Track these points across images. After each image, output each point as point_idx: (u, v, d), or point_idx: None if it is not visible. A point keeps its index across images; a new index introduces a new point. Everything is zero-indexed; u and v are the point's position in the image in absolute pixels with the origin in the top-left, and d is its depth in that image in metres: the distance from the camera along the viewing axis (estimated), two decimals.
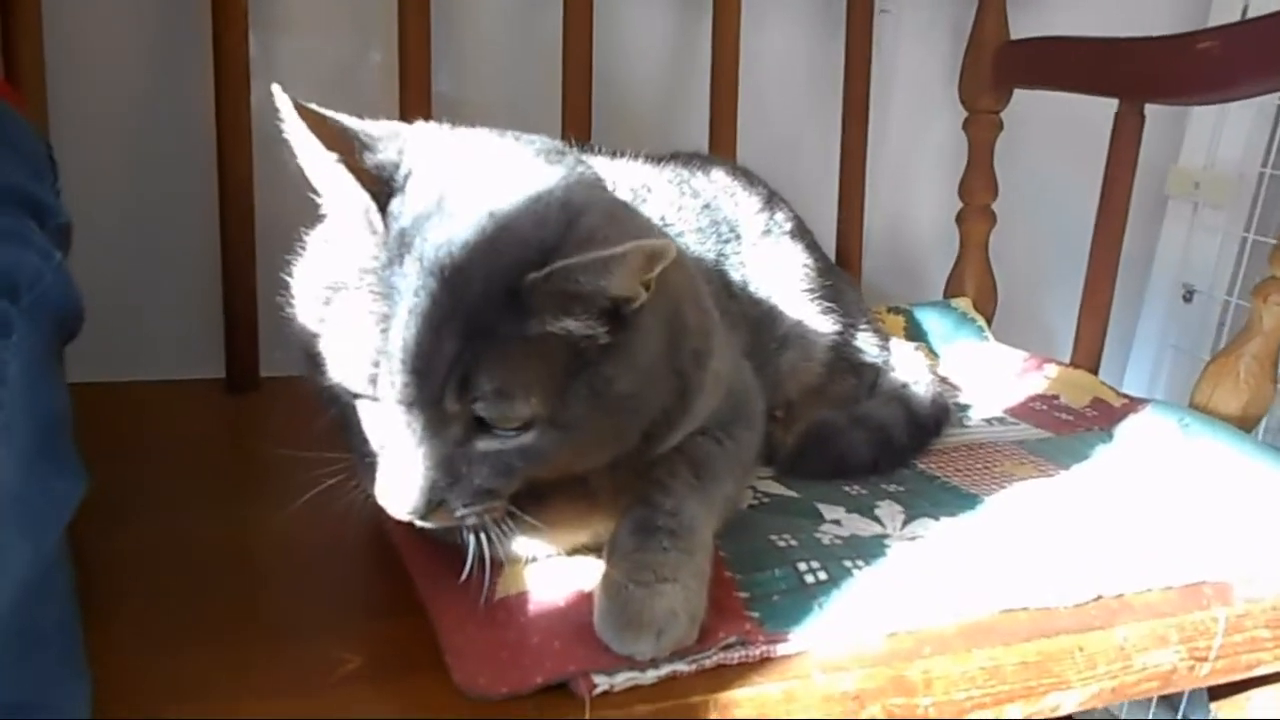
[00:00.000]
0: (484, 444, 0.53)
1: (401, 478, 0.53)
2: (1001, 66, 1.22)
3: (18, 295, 0.51)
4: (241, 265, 0.97)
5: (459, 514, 0.55)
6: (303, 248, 0.59)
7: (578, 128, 1.06)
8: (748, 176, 0.95)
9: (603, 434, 0.57)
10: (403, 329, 0.50)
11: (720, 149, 1.13)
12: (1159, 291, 1.52)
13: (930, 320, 1.21)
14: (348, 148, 0.53)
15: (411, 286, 0.50)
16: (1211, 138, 1.43)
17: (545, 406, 0.53)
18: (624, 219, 0.59)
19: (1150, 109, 1.07)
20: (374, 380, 0.52)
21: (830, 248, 1.20)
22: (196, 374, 0.99)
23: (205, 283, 1.00)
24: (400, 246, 0.52)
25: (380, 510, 0.64)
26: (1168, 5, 1.41)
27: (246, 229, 0.97)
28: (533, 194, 0.55)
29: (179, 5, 1.00)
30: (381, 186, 0.53)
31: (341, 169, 0.52)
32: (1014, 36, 1.24)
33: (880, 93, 1.25)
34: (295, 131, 0.53)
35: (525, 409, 0.53)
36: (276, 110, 0.53)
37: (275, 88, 0.53)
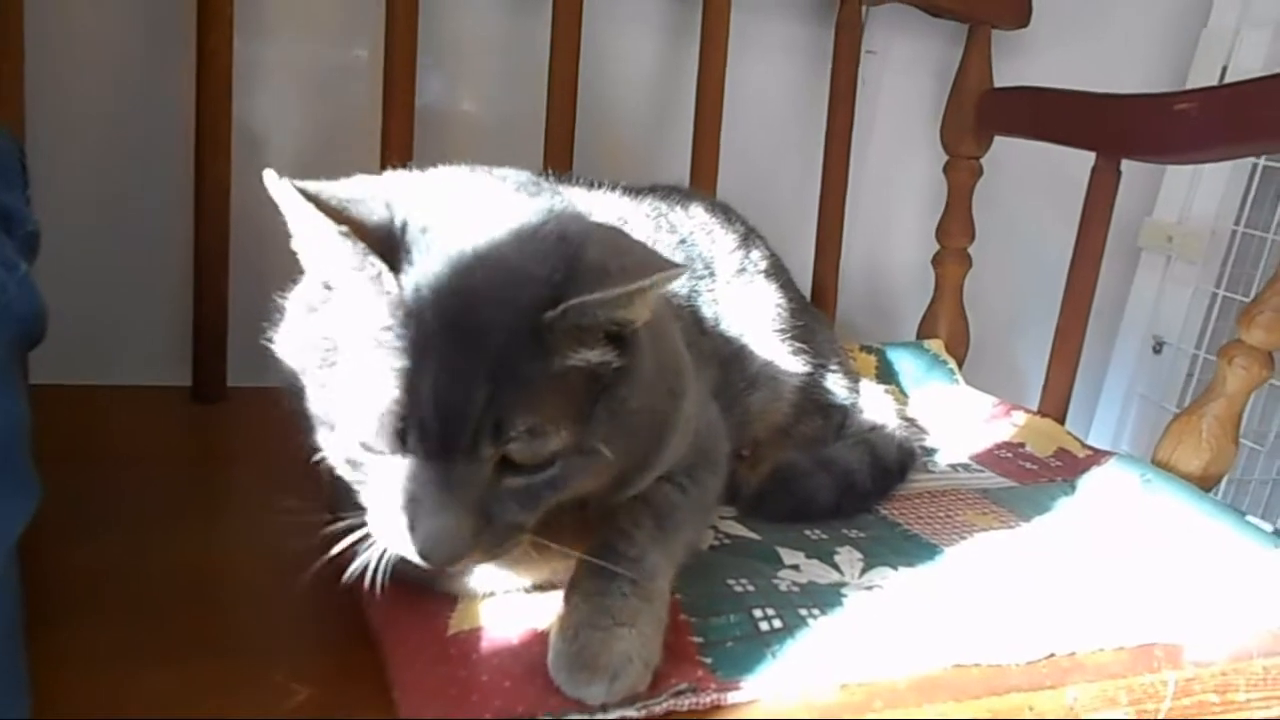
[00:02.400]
0: (512, 481, 0.54)
1: (439, 528, 0.52)
2: (984, 113, 1.23)
3: None
4: (213, 272, 0.96)
5: (491, 552, 0.55)
6: (280, 312, 0.59)
7: (560, 150, 1.06)
8: (726, 213, 0.95)
9: (619, 453, 0.57)
10: (431, 382, 0.50)
11: (701, 180, 1.14)
12: (1129, 341, 1.54)
13: (902, 361, 1.22)
14: (345, 217, 0.52)
15: (432, 340, 0.51)
16: (1186, 193, 1.45)
17: (573, 436, 0.54)
18: (624, 247, 0.60)
19: (1127, 162, 1.09)
20: (402, 436, 0.51)
21: (806, 284, 1.21)
22: (163, 381, 0.98)
23: (176, 289, 1.00)
24: (414, 302, 0.51)
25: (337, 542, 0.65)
26: (1150, 61, 1.43)
27: (220, 237, 0.96)
28: (528, 231, 0.55)
29: (161, 18, 1.00)
30: (384, 248, 0.52)
31: (350, 240, 0.51)
32: (998, 83, 1.26)
33: (862, 133, 1.26)
34: (298, 212, 0.52)
35: (556, 443, 0.53)
36: (272, 195, 0.53)
37: (269, 173, 0.52)
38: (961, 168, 1.26)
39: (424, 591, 0.62)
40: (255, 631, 0.61)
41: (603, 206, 0.79)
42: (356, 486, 0.56)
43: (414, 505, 0.52)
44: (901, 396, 1.16)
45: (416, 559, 0.53)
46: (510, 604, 0.61)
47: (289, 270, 1.05)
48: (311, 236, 0.53)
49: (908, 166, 1.36)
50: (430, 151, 1.03)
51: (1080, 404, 1.57)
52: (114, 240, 1.04)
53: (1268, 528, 0.86)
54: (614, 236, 0.61)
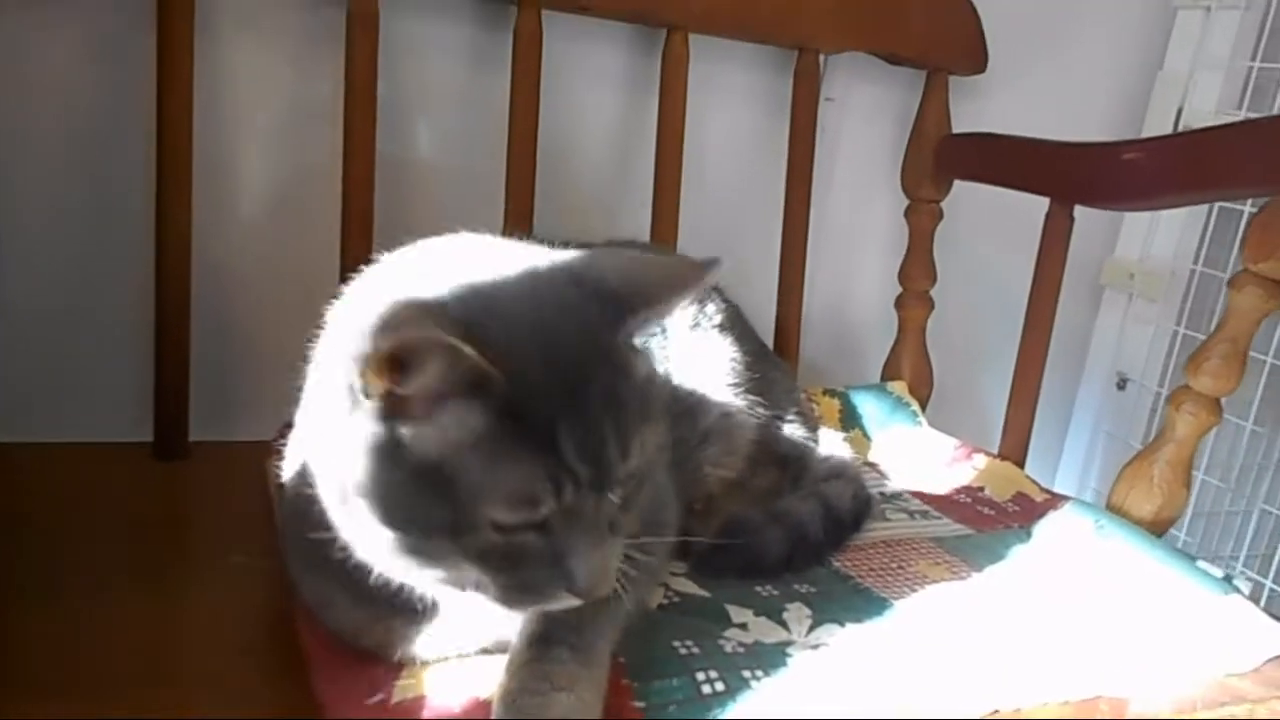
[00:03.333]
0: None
1: (597, 564, 0.54)
2: (942, 158, 1.25)
3: None
4: (175, 326, 0.97)
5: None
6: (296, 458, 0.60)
7: (520, 202, 1.08)
8: None
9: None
10: (572, 440, 0.51)
11: (663, 229, 1.15)
12: (1094, 379, 1.55)
13: (865, 404, 1.23)
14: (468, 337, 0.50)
15: (547, 402, 0.51)
16: (1147, 232, 1.47)
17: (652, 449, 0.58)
18: (647, 261, 0.63)
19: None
20: (557, 494, 0.52)
21: (770, 329, 1.23)
22: (125, 437, 0.99)
23: (137, 343, 1.00)
24: (515, 376, 0.51)
25: (289, 601, 0.65)
26: (1107, 104, 1.46)
27: (182, 290, 0.97)
28: (562, 277, 0.57)
29: (117, 82, 1.01)
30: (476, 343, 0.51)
31: (465, 347, 0.49)
32: (957, 128, 1.27)
33: (824, 178, 1.28)
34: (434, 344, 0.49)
35: (645, 456, 0.56)
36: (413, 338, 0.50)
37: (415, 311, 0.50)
38: (922, 211, 1.27)
39: (372, 659, 0.62)
40: (198, 705, 0.61)
41: None
42: (444, 579, 0.55)
43: (572, 551, 0.53)
44: (864, 441, 1.17)
45: (572, 602, 0.54)
46: (456, 671, 0.62)
47: (252, 325, 1.08)
48: (428, 368, 0.50)
49: (869, 210, 1.38)
50: (391, 199, 1.05)
51: (1048, 441, 1.59)
52: (74, 295, 1.04)
53: (1218, 574, 0.87)
54: (602, 255, 0.63)
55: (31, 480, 0.87)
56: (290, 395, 0.67)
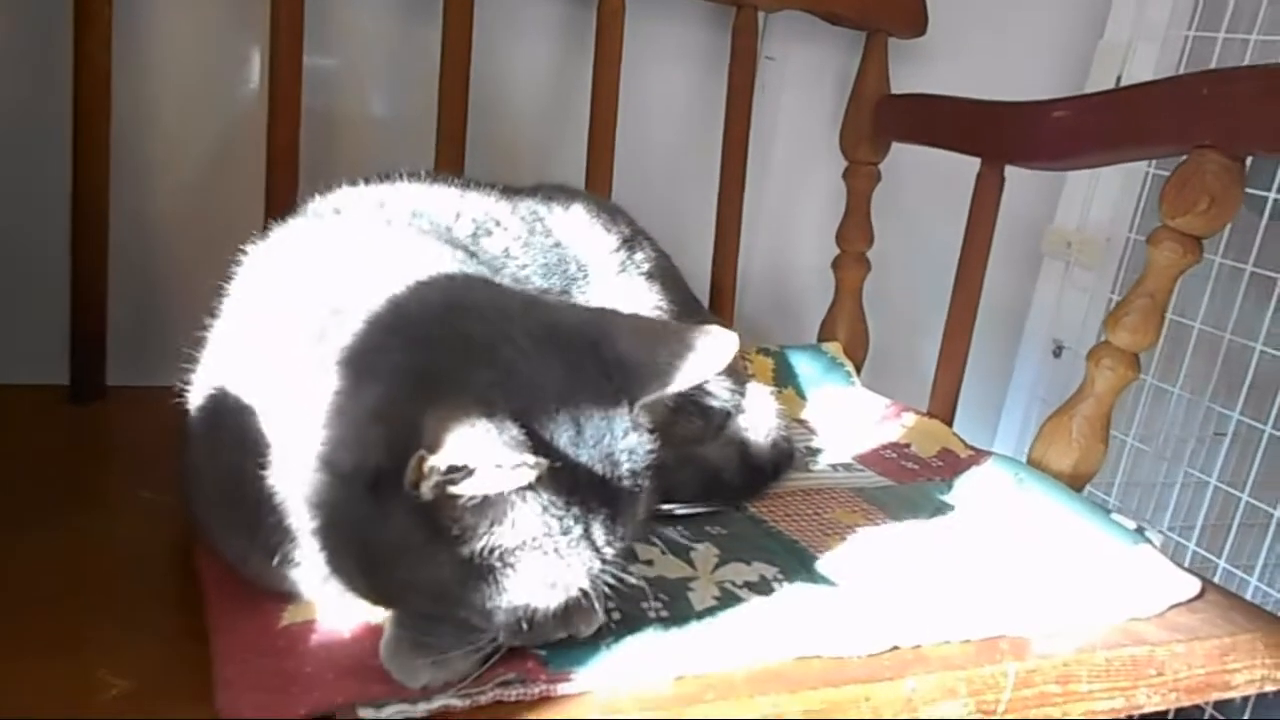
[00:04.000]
0: None
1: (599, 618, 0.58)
2: (880, 120, 1.25)
3: None
4: (91, 269, 0.96)
5: None
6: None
7: (451, 151, 1.07)
8: (611, 214, 0.95)
9: None
10: (604, 530, 0.54)
11: (596, 183, 1.14)
12: (1032, 345, 1.57)
13: (801, 363, 1.23)
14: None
15: (587, 495, 0.53)
16: (1084, 200, 1.49)
17: None
18: (640, 329, 0.63)
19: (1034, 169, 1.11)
20: (589, 575, 0.53)
21: (705, 288, 1.23)
22: (40, 379, 0.97)
23: (55, 286, 0.98)
24: (556, 473, 0.51)
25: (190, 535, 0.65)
26: (1049, 72, 1.46)
27: (99, 233, 0.95)
28: (574, 346, 0.57)
29: (37, 20, 0.99)
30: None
31: (524, 458, 0.49)
32: (899, 89, 1.28)
33: (764, 137, 1.28)
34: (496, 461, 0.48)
35: None
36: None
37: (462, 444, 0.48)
38: (860, 173, 1.28)
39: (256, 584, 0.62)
40: (87, 625, 0.60)
41: (473, 207, 0.80)
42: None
43: (584, 612, 0.57)
44: (797, 400, 1.17)
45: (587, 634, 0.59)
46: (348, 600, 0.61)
47: (170, 271, 1.06)
48: (485, 479, 0.49)
49: (809, 171, 1.38)
50: (318, 149, 1.04)
51: (986, 407, 1.60)
52: None
53: (1130, 525, 0.88)
54: (643, 326, 0.64)
55: None
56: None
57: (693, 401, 0.93)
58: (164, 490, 0.72)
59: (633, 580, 0.57)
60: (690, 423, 0.93)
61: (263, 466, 0.55)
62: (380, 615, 0.60)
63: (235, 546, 0.61)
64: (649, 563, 0.71)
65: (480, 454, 0.47)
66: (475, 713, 0.55)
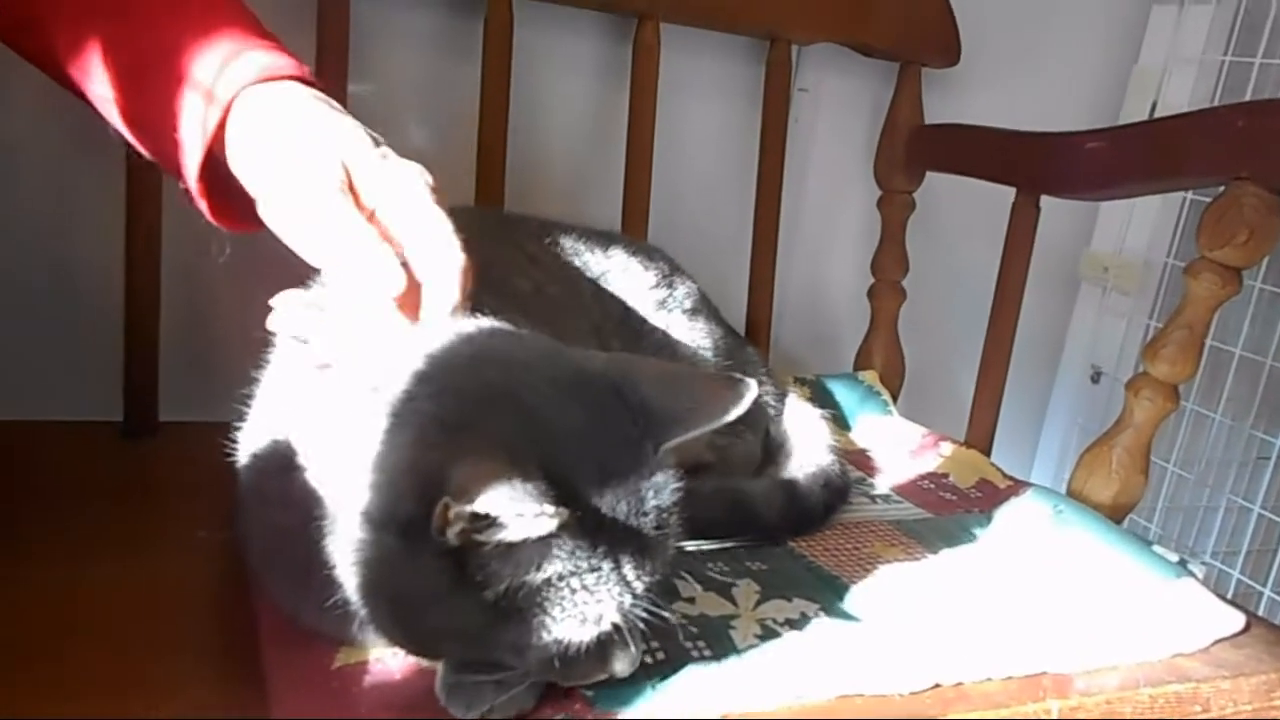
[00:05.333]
0: None
1: (637, 656, 0.58)
2: (914, 150, 1.26)
3: None
4: (144, 306, 0.98)
5: None
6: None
7: (491, 194, 1.09)
8: (648, 253, 0.97)
9: None
10: (633, 565, 0.54)
11: (633, 218, 1.16)
12: (1070, 372, 1.56)
13: (838, 392, 1.24)
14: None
15: (615, 535, 0.54)
16: (1121, 224, 1.48)
17: None
18: (661, 376, 0.63)
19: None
20: (621, 609, 0.54)
21: (741, 319, 1.24)
22: (93, 415, 1.00)
23: (108, 323, 1.01)
24: (584, 520, 0.52)
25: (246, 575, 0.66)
26: (1083, 99, 1.46)
27: (152, 264, 0.98)
28: (594, 392, 0.58)
29: None
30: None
31: (549, 509, 0.50)
32: (933, 118, 1.29)
33: (797, 168, 1.29)
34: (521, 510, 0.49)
35: None
36: None
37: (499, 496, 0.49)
38: (894, 202, 1.28)
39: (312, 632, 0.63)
40: (151, 667, 0.62)
41: (512, 245, 0.82)
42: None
43: (620, 649, 0.57)
44: (841, 431, 1.17)
45: (625, 673, 0.58)
46: None
47: (221, 308, 1.09)
48: (512, 526, 0.50)
49: (844, 201, 1.39)
50: None
51: (1024, 433, 1.60)
52: (48, 281, 1.06)
53: (1173, 558, 0.88)
54: (664, 373, 0.65)
55: (3, 456, 0.88)
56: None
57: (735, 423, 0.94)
58: (218, 528, 0.74)
59: (667, 614, 0.57)
60: (743, 440, 0.94)
61: (311, 522, 0.56)
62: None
63: (289, 596, 0.63)
64: (690, 600, 0.72)
65: (503, 504, 0.48)
66: None
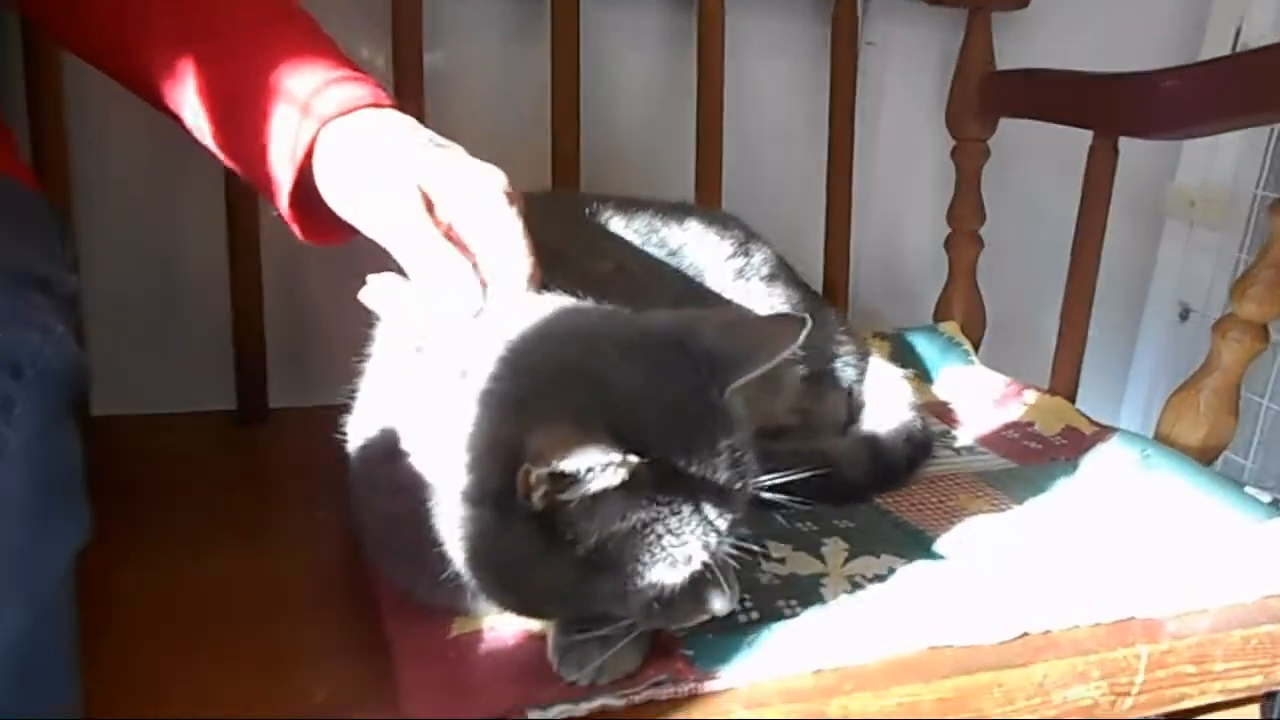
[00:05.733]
0: None
1: (734, 593, 0.60)
2: (986, 96, 1.25)
3: (20, 372, 0.57)
4: (249, 294, 1.04)
5: None
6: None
7: (566, 168, 1.11)
8: (724, 222, 0.99)
9: None
10: (712, 503, 0.57)
11: (706, 183, 1.18)
12: (1157, 311, 1.54)
13: (918, 345, 1.24)
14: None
15: (692, 476, 0.56)
16: (1207, 156, 1.44)
17: None
18: (721, 323, 0.66)
19: None
20: (708, 549, 0.57)
21: (818, 276, 1.25)
22: (210, 406, 1.06)
23: (214, 311, 1.07)
24: (660, 464, 0.55)
25: (361, 553, 0.71)
26: (1160, 34, 1.42)
27: (253, 259, 1.03)
28: (661, 345, 0.61)
29: None
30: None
31: (625, 457, 0.52)
32: (1004, 64, 1.27)
33: (868, 123, 1.29)
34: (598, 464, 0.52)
35: None
36: None
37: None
38: (968, 151, 1.27)
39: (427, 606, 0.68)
40: (284, 641, 0.67)
41: (593, 228, 0.85)
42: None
43: (714, 587, 0.59)
44: (923, 382, 1.18)
45: (724, 612, 0.60)
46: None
47: (324, 294, 1.14)
48: (591, 481, 0.53)
49: (917, 153, 1.38)
50: None
51: (1111, 375, 1.58)
52: (156, 279, 1.13)
53: (1265, 498, 0.88)
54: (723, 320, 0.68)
55: (129, 447, 0.94)
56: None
57: (818, 388, 0.96)
58: (333, 510, 0.79)
59: (755, 548, 0.60)
60: (826, 401, 0.96)
61: (419, 505, 0.61)
62: (539, 623, 0.66)
63: (405, 574, 0.67)
64: (781, 560, 0.75)
65: (576, 460, 0.51)
66: (631, 711, 0.59)
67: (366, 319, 0.74)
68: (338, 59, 0.72)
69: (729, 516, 0.58)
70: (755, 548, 0.60)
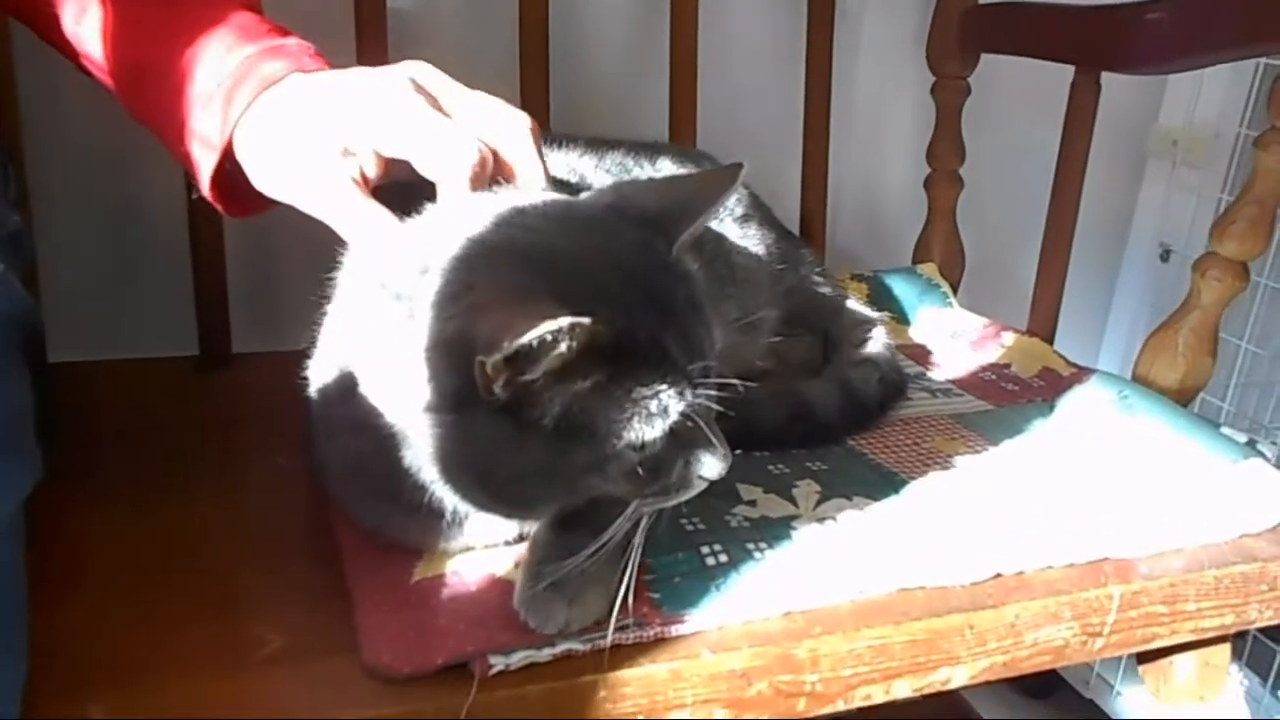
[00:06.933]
0: None
1: (723, 446, 0.59)
2: (967, 31, 1.22)
3: None
4: (209, 238, 1.01)
5: None
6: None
7: (535, 107, 1.07)
8: (695, 161, 0.97)
9: None
10: (677, 347, 0.56)
11: (681, 125, 1.15)
12: (1138, 252, 1.53)
13: (896, 286, 1.23)
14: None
15: (652, 326, 0.55)
16: (1190, 95, 1.42)
17: None
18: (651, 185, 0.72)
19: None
20: (682, 396, 0.55)
21: (795, 216, 1.23)
22: (172, 351, 1.04)
23: (177, 257, 1.04)
24: (618, 323, 0.54)
25: (324, 499, 0.69)
26: None
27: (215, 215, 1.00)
28: (595, 216, 0.61)
29: None
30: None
31: (581, 322, 0.51)
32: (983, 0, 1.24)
33: (847, 61, 1.26)
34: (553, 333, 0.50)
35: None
36: None
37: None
38: (948, 88, 1.25)
39: (398, 547, 0.66)
40: (240, 588, 0.66)
41: (562, 168, 0.82)
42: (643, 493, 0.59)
43: (700, 440, 0.58)
44: (900, 324, 1.17)
45: (720, 474, 0.59)
46: (476, 555, 0.66)
47: (285, 237, 1.11)
48: (550, 354, 0.51)
49: (896, 92, 1.35)
50: None
51: (1090, 320, 1.57)
52: (117, 221, 1.10)
53: (1241, 439, 0.87)
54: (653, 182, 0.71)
55: (89, 393, 0.92)
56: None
57: (801, 322, 0.95)
58: (295, 455, 0.77)
59: (735, 382, 0.58)
60: (801, 342, 0.95)
61: (383, 440, 0.59)
62: (504, 567, 0.64)
63: (373, 513, 0.66)
64: (751, 503, 0.74)
65: (528, 333, 0.49)
66: (596, 656, 0.58)
67: (329, 262, 0.72)
68: (252, 20, 0.69)
69: (700, 363, 0.56)
70: (737, 383, 0.58)
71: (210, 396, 0.99)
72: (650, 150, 0.94)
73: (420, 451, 0.58)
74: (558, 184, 0.73)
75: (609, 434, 0.54)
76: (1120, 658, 1.45)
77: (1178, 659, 0.84)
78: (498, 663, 0.56)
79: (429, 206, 0.62)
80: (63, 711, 0.53)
